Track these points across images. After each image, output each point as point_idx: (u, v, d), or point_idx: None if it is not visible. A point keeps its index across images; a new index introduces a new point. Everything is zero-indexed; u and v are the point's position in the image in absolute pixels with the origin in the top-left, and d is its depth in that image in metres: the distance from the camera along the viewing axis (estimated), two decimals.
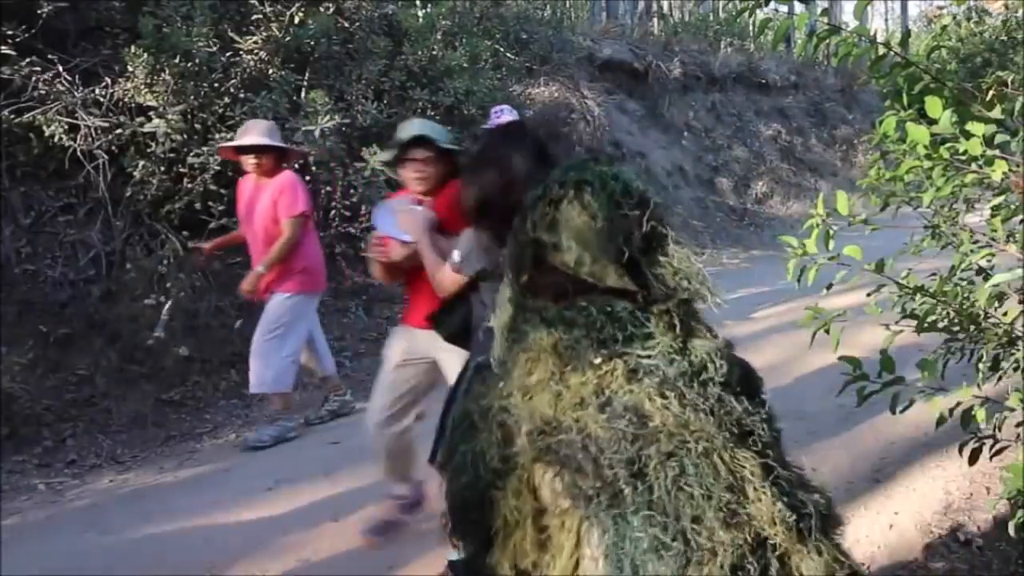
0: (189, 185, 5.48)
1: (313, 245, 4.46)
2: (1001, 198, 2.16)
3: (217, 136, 5.53)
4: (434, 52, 7.17)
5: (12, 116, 5.00)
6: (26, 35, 5.04)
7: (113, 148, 5.26)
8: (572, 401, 1.21)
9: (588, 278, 1.30)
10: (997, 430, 2.16)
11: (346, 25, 6.73)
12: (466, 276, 2.48)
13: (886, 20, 25.36)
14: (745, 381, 1.32)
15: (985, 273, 2.28)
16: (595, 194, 1.31)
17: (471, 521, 1.27)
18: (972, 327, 2.23)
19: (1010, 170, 1.98)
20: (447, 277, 2.54)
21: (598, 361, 1.23)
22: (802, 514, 1.22)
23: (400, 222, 2.78)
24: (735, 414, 1.25)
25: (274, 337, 4.25)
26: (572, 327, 1.27)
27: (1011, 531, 2.08)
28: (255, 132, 4.27)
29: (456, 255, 2.49)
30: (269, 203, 4.23)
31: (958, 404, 2.04)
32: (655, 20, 15.58)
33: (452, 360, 2.80)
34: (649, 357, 1.24)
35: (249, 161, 4.26)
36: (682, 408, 1.20)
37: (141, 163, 5.30)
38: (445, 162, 2.93)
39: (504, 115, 4.76)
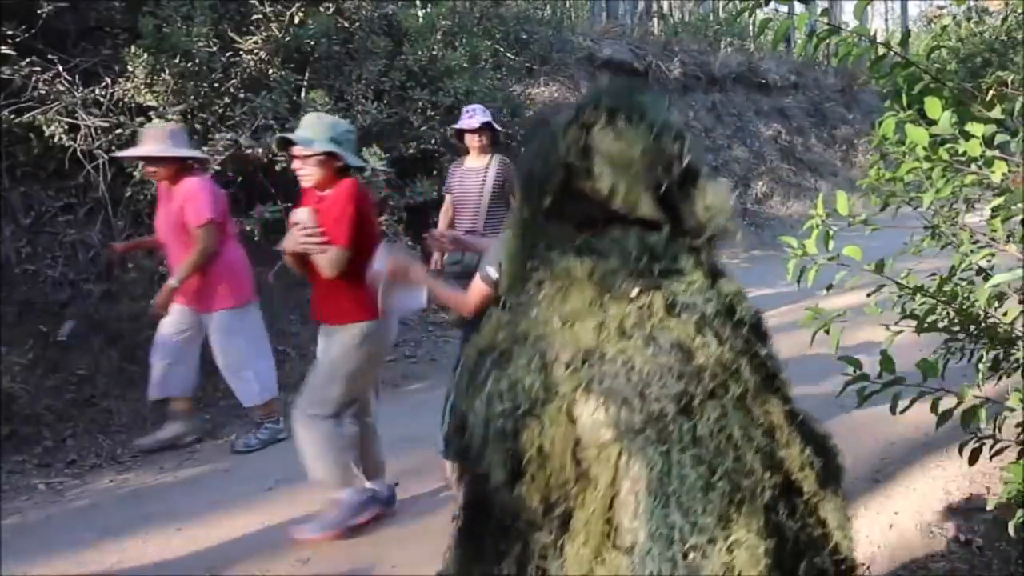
0: None
1: (233, 253, 4.22)
2: (1001, 199, 2.16)
3: (217, 136, 5.53)
4: (434, 52, 7.17)
5: (12, 116, 5.00)
6: (26, 35, 5.04)
7: (113, 148, 5.26)
8: (615, 331, 1.16)
9: (619, 208, 1.25)
10: (997, 430, 2.16)
11: (346, 25, 6.73)
12: (492, 291, 2.50)
13: (886, 20, 25.38)
14: (759, 326, 1.29)
15: (985, 273, 2.28)
16: (633, 122, 1.25)
17: (501, 451, 1.20)
18: (972, 327, 2.23)
19: (1010, 170, 1.98)
20: (475, 294, 2.55)
21: (635, 292, 1.18)
22: (828, 459, 1.23)
23: (399, 276, 2.78)
24: (760, 357, 1.22)
25: (241, 354, 4.16)
26: (606, 257, 1.21)
27: (1011, 531, 2.08)
28: (148, 141, 4.06)
29: (492, 271, 2.50)
30: (176, 212, 4.05)
31: (958, 404, 2.04)
32: (655, 20, 15.58)
33: (331, 347, 3.12)
34: (686, 293, 1.19)
35: (147, 169, 4.09)
36: (720, 348, 1.16)
37: (141, 163, 5.29)
38: (335, 159, 3.08)
39: (476, 115, 4.74)
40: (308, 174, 3.07)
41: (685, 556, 1.09)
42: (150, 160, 4.06)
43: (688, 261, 1.22)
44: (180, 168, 4.09)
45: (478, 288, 2.54)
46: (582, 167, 1.26)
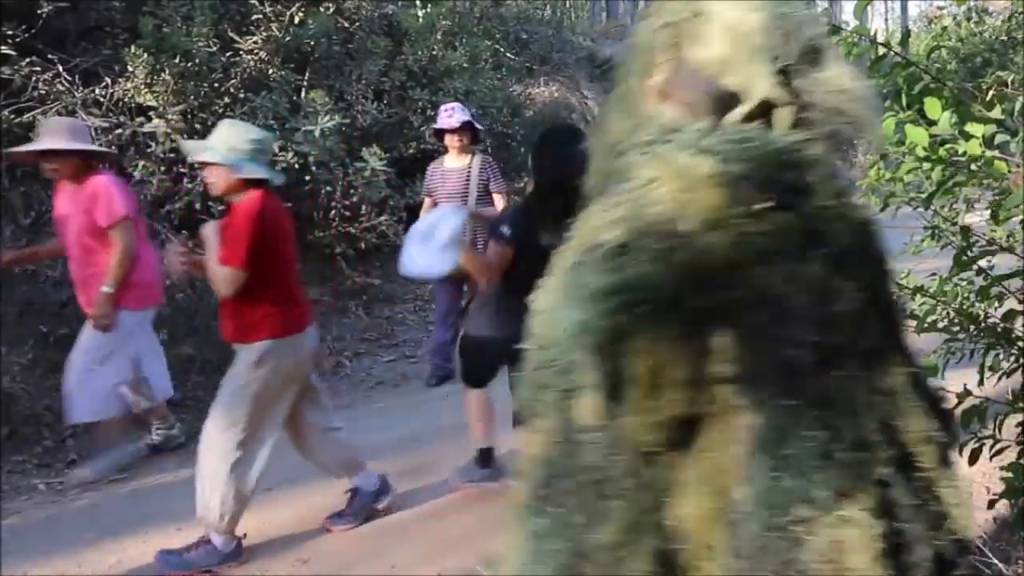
0: (189, 185, 5.48)
1: (144, 254, 3.93)
2: (1001, 199, 2.16)
3: None
4: (434, 52, 7.18)
5: (12, 116, 5.01)
6: (26, 35, 5.04)
7: (113, 148, 5.27)
8: (752, 255, 0.95)
9: (733, 86, 1.04)
10: (997, 430, 2.16)
11: (346, 25, 6.74)
12: (508, 248, 2.47)
13: (886, 20, 25.37)
14: (885, 264, 1.07)
15: (985, 273, 2.28)
16: None
17: (601, 365, 0.96)
18: (972, 327, 2.23)
19: (1010, 170, 1.98)
20: (495, 258, 2.54)
21: (763, 208, 0.96)
22: (945, 428, 1.06)
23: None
24: (887, 304, 1.04)
25: (97, 362, 3.80)
26: (728, 160, 0.98)
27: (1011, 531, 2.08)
28: (50, 135, 3.76)
29: (506, 229, 2.50)
30: (82, 212, 3.74)
31: (958, 404, 2.04)
32: None
33: (236, 366, 3.02)
34: (820, 218, 0.98)
35: (47, 167, 3.80)
36: (856, 293, 0.97)
37: (141, 163, 5.30)
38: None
39: (456, 113, 4.70)
40: (212, 182, 2.98)
41: (790, 527, 0.95)
42: (49, 156, 3.74)
43: (818, 174, 1.01)
44: (84, 165, 3.79)
45: (496, 251, 2.53)
46: (691, 31, 1.07)
